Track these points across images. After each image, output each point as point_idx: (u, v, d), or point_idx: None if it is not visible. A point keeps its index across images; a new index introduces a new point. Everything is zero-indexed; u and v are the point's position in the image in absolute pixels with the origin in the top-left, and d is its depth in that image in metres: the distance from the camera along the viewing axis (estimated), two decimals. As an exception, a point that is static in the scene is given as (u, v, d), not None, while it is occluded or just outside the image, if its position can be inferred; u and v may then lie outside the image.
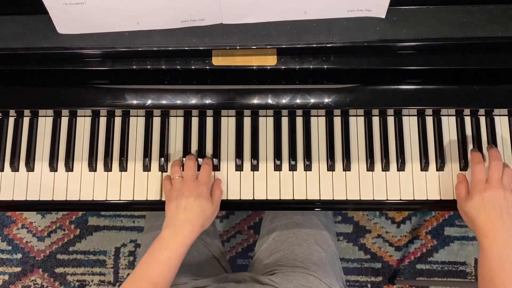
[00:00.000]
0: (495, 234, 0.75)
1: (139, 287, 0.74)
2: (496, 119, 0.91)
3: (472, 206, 0.79)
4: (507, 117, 0.91)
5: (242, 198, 0.89)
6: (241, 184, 0.90)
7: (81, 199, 0.90)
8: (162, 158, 0.90)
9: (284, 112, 0.90)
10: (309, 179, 0.89)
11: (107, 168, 0.90)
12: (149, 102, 0.80)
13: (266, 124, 0.91)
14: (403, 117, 0.91)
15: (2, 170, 0.90)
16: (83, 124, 0.92)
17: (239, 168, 0.90)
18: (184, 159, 0.89)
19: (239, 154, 0.90)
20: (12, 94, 0.82)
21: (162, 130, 0.91)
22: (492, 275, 0.73)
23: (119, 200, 0.90)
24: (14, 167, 0.90)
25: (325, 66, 0.78)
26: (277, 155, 0.89)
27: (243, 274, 0.95)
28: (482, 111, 0.90)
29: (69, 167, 0.90)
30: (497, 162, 0.81)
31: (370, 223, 1.69)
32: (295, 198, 0.89)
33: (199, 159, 0.89)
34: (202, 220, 0.80)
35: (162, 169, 0.90)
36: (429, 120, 0.91)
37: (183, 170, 0.86)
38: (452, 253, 1.67)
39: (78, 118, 0.92)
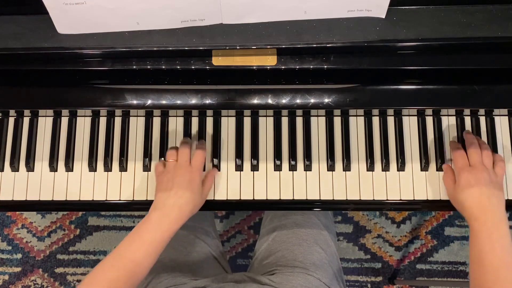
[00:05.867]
0: (485, 215, 0.76)
1: (120, 264, 0.73)
2: (496, 119, 0.91)
3: (460, 190, 0.80)
4: (507, 117, 0.91)
5: (242, 198, 0.89)
6: (241, 184, 0.90)
7: (81, 199, 0.90)
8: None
9: (284, 112, 0.90)
10: (309, 179, 0.89)
11: (107, 168, 0.90)
12: (149, 102, 0.80)
13: (266, 124, 0.91)
14: (403, 117, 0.91)
15: (2, 170, 0.90)
16: (83, 124, 0.92)
17: (239, 168, 0.90)
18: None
19: (239, 154, 0.90)
20: (12, 94, 0.81)
21: (162, 130, 0.91)
22: (482, 256, 0.73)
23: (119, 200, 0.90)
24: (14, 167, 0.90)
25: (325, 66, 0.78)
26: (277, 155, 0.89)
27: (242, 274, 0.95)
28: (482, 111, 0.90)
29: (69, 167, 0.90)
30: (475, 146, 0.84)
31: (370, 223, 1.69)
32: (295, 198, 0.89)
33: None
34: (191, 207, 0.80)
35: (162, 169, 0.90)
36: (429, 120, 0.91)
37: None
38: (452, 253, 1.67)
39: (78, 118, 0.92)
